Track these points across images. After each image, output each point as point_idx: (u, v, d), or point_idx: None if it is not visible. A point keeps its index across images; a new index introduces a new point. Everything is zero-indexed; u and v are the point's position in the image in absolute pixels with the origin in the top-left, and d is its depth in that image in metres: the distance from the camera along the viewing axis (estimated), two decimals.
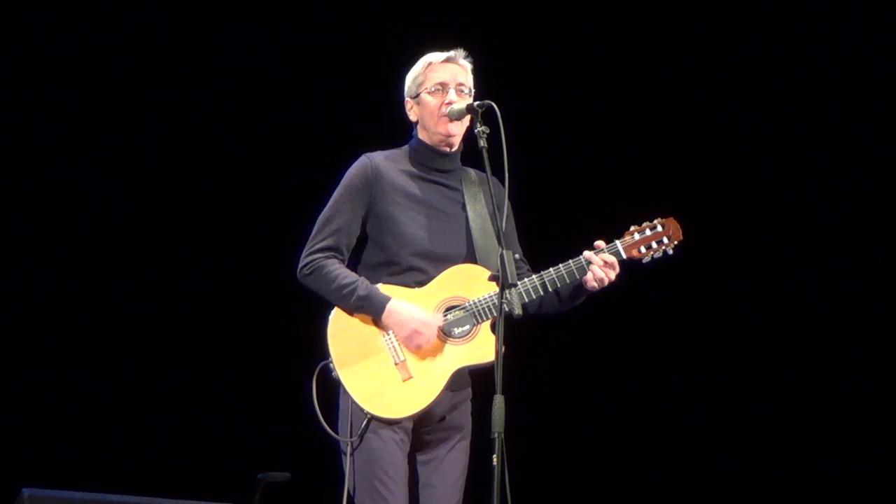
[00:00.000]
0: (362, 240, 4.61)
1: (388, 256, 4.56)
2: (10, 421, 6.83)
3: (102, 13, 6.97)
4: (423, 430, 4.54)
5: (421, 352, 4.48)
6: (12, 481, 5.67)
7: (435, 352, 4.49)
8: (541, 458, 6.90)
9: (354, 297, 4.47)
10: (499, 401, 4.01)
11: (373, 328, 4.50)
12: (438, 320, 4.49)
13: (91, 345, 6.95)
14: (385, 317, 4.47)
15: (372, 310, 4.48)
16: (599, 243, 4.57)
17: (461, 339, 4.50)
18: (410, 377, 4.47)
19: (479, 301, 4.50)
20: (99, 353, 6.96)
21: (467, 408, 4.61)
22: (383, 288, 4.52)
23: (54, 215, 6.96)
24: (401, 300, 4.48)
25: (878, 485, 7.04)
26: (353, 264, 4.61)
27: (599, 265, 4.53)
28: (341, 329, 4.50)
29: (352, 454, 4.46)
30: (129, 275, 7.02)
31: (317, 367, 4.50)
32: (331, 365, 4.48)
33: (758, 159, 7.21)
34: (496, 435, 3.99)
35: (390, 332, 4.49)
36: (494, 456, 3.98)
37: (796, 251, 7.16)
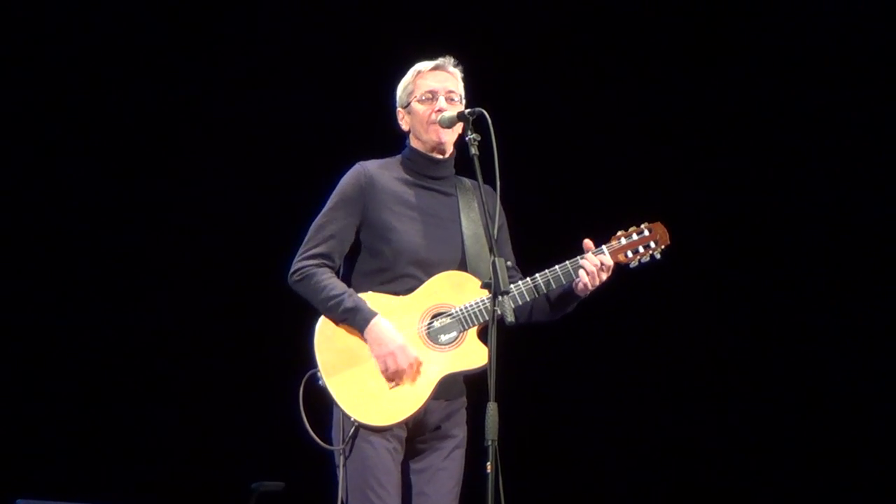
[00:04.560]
0: (356, 248, 4.62)
1: (383, 264, 4.57)
2: (3, 431, 6.81)
3: (95, 14, 6.96)
4: (418, 438, 4.55)
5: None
6: (6, 492, 5.65)
7: (422, 358, 4.48)
8: (535, 466, 6.90)
9: (341, 309, 4.48)
10: (492, 408, 4.01)
11: (359, 336, 4.50)
12: (417, 351, 4.47)
13: (84, 355, 6.93)
14: (367, 332, 4.47)
15: (356, 323, 4.48)
16: (588, 243, 4.58)
17: (447, 346, 4.50)
18: (397, 385, 4.47)
19: (466, 308, 4.50)
20: (92, 363, 6.94)
21: (462, 416, 4.62)
22: (372, 295, 4.53)
23: (47, 221, 6.95)
24: (386, 320, 4.48)
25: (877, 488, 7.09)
26: (347, 272, 4.63)
27: (591, 263, 4.53)
28: (328, 338, 4.50)
29: (344, 463, 4.46)
30: (121, 284, 7.00)
31: (304, 377, 4.50)
32: (318, 373, 4.48)
33: (747, 163, 7.21)
34: (490, 442, 4.00)
35: None
36: (488, 463, 3.99)
37: (786, 254, 7.17)
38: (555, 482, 7.11)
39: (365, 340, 4.48)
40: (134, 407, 6.95)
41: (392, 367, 4.45)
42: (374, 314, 4.47)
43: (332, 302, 4.48)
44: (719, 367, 7.19)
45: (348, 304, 4.47)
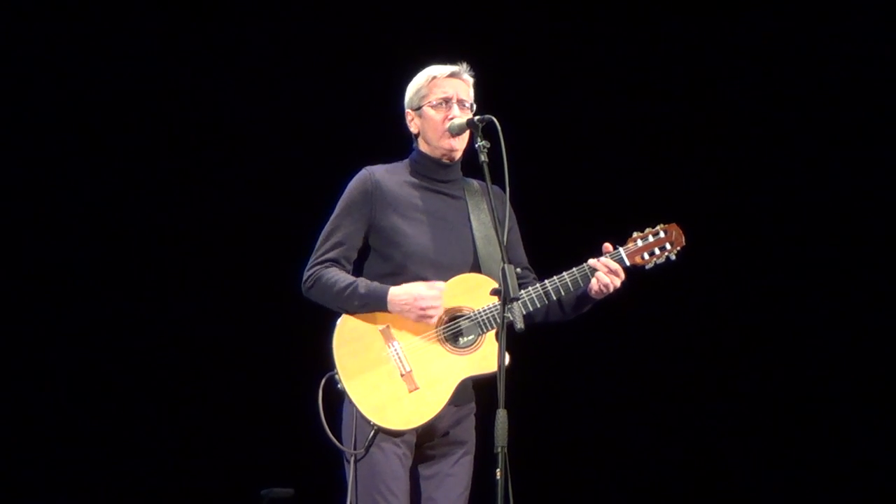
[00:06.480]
0: (366, 253, 4.63)
1: (393, 267, 4.57)
2: (10, 436, 6.86)
3: (102, 21, 6.98)
4: (427, 444, 4.55)
5: (427, 361, 4.48)
6: (12, 497, 5.68)
7: (441, 362, 4.49)
8: (544, 473, 6.89)
9: (357, 297, 4.49)
10: (502, 415, 4.01)
11: (378, 339, 4.51)
12: (441, 285, 4.49)
13: (93, 357, 6.95)
14: (390, 306, 4.48)
15: (376, 303, 4.50)
16: (607, 246, 4.58)
17: (467, 349, 4.51)
18: (416, 388, 4.48)
19: (484, 310, 4.50)
20: (101, 366, 6.96)
21: (471, 422, 4.62)
22: None
23: (53, 223, 6.97)
24: (400, 287, 4.48)
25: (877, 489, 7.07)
26: (357, 276, 4.60)
27: (604, 272, 4.54)
28: (346, 340, 4.51)
29: (354, 468, 4.47)
30: (132, 287, 7.01)
31: (322, 379, 4.51)
32: (336, 376, 4.49)
33: (761, 163, 7.18)
34: (499, 449, 3.99)
35: (395, 342, 4.50)
36: (498, 470, 3.98)
37: (801, 255, 7.14)
38: (564, 490, 7.10)
39: (386, 340, 4.49)
40: (143, 412, 6.95)
41: (431, 311, 4.46)
42: (386, 289, 4.48)
43: (347, 293, 4.49)
44: (733, 374, 7.15)
45: (362, 290, 4.49)
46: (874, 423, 7.04)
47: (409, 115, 4.72)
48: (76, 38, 6.95)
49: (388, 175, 4.66)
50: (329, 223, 4.63)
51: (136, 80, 7.01)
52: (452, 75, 4.67)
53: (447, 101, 4.64)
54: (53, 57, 6.94)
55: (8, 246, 6.91)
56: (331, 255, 4.58)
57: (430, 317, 4.48)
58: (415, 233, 4.59)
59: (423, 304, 4.47)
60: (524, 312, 4.41)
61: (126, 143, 7.03)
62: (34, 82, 6.94)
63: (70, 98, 6.96)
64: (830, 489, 7.06)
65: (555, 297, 4.56)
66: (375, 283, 4.51)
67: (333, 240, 4.59)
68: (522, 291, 4.46)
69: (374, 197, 4.61)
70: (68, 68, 6.95)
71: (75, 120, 6.99)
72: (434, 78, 4.67)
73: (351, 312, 4.53)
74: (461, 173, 4.73)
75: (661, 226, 4.64)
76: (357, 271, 4.64)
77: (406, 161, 4.73)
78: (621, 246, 4.61)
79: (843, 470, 7.05)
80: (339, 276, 4.53)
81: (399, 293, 4.48)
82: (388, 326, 4.52)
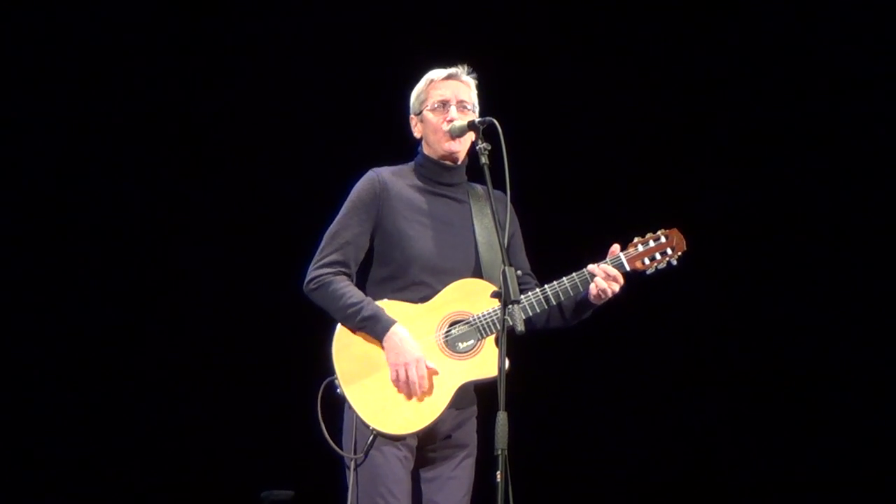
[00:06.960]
0: (368, 255, 4.62)
1: (395, 271, 4.57)
2: (10, 436, 6.84)
3: (103, 19, 6.98)
4: (428, 447, 4.54)
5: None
6: (13, 497, 5.65)
7: (440, 367, 4.48)
8: (544, 476, 6.88)
9: (359, 318, 4.48)
10: (502, 418, 4.00)
11: (377, 344, 4.50)
12: (435, 360, 4.48)
13: (94, 357, 6.94)
14: (385, 339, 4.47)
15: (374, 331, 4.48)
16: (615, 248, 4.58)
17: (466, 354, 4.50)
18: (410, 394, 4.47)
19: (484, 315, 4.50)
20: (102, 367, 6.95)
21: (472, 426, 4.62)
22: (388, 303, 4.53)
23: (53, 222, 6.96)
24: (405, 328, 4.48)
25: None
26: (359, 280, 4.62)
27: (602, 277, 4.54)
28: (346, 345, 4.50)
29: (355, 471, 4.46)
30: (134, 287, 7.01)
31: (322, 384, 4.50)
32: (336, 381, 4.49)
33: (764, 166, 7.18)
34: (499, 452, 3.98)
35: None
36: (498, 473, 3.97)
37: (803, 258, 7.14)
38: (565, 492, 7.09)
39: (383, 348, 4.49)
40: (144, 413, 6.94)
41: (402, 378, 4.45)
42: (392, 322, 4.47)
43: (351, 310, 4.48)
44: (736, 375, 7.14)
45: (366, 312, 4.47)
46: (873, 422, 7.03)
47: (413, 120, 4.73)
48: (77, 37, 6.96)
49: (393, 177, 4.66)
50: (335, 223, 4.61)
51: (140, 79, 7.02)
52: (450, 77, 4.68)
53: (445, 103, 4.64)
54: (53, 56, 6.95)
55: (8, 245, 6.91)
56: (337, 256, 4.56)
57: (401, 379, 4.45)
58: (418, 236, 4.58)
59: (404, 376, 4.45)
60: (524, 316, 4.39)
61: (128, 142, 7.03)
62: (35, 81, 6.94)
63: (70, 97, 6.97)
64: (830, 489, 7.04)
65: (554, 302, 4.55)
66: (382, 311, 4.49)
67: (340, 240, 4.57)
68: (522, 296, 4.45)
69: (381, 198, 4.61)
70: (69, 67, 6.97)
71: (75, 119, 6.99)
72: (432, 81, 4.69)
73: (349, 328, 4.52)
74: (465, 177, 4.73)
75: (663, 231, 4.65)
76: (358, 274, 4.62)
77: (411, 164, 4.73)
78: (622, 251, 4.60)
79: (842, 470, 7.04)
80: (348, 290, 4.51)
81: (402, 340, 4.46)
82: None
